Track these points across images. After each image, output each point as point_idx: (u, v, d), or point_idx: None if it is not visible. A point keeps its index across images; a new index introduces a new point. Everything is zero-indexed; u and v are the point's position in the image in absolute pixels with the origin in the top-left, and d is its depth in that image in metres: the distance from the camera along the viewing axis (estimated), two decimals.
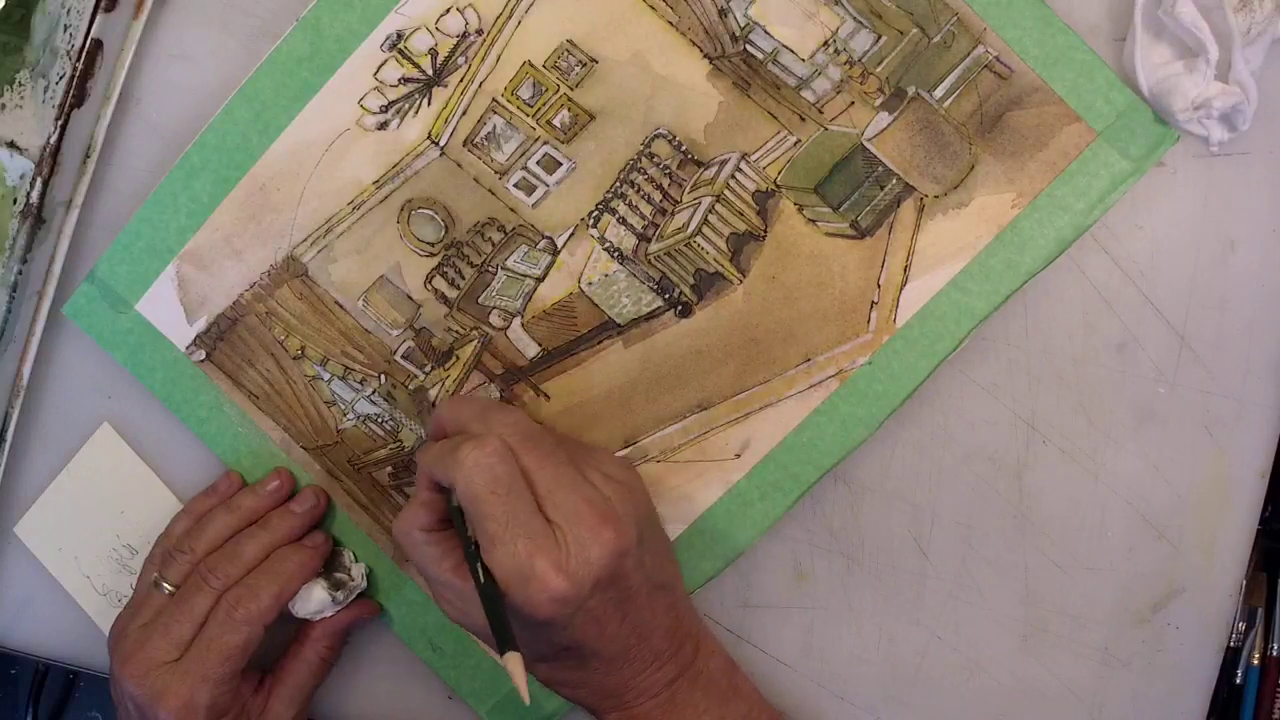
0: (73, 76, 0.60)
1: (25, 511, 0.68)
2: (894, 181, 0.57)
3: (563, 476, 0.52)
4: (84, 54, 0.60)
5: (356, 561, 0.64)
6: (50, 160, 0.61)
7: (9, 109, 0.62)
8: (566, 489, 0.52)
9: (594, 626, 0.52)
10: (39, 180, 0.61)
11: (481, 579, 0.50)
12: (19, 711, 0.77)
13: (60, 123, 0.61)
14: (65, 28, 0.61)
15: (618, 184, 0.59)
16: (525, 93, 0.59)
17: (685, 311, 0.59)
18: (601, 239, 0.60)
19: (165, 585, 0.61)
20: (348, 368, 0.63)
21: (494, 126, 0.60)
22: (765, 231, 0.58)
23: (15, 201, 0.61)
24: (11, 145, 0.61)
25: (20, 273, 0.62)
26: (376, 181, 0.61)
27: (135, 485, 0.67)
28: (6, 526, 0.68)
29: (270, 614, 0.60)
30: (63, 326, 0.66)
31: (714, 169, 0.58)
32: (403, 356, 0.62)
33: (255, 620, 0.60)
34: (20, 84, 0.62)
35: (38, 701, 0.77)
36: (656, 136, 0.59)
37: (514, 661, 0.48)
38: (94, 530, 0.67)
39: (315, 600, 0.62)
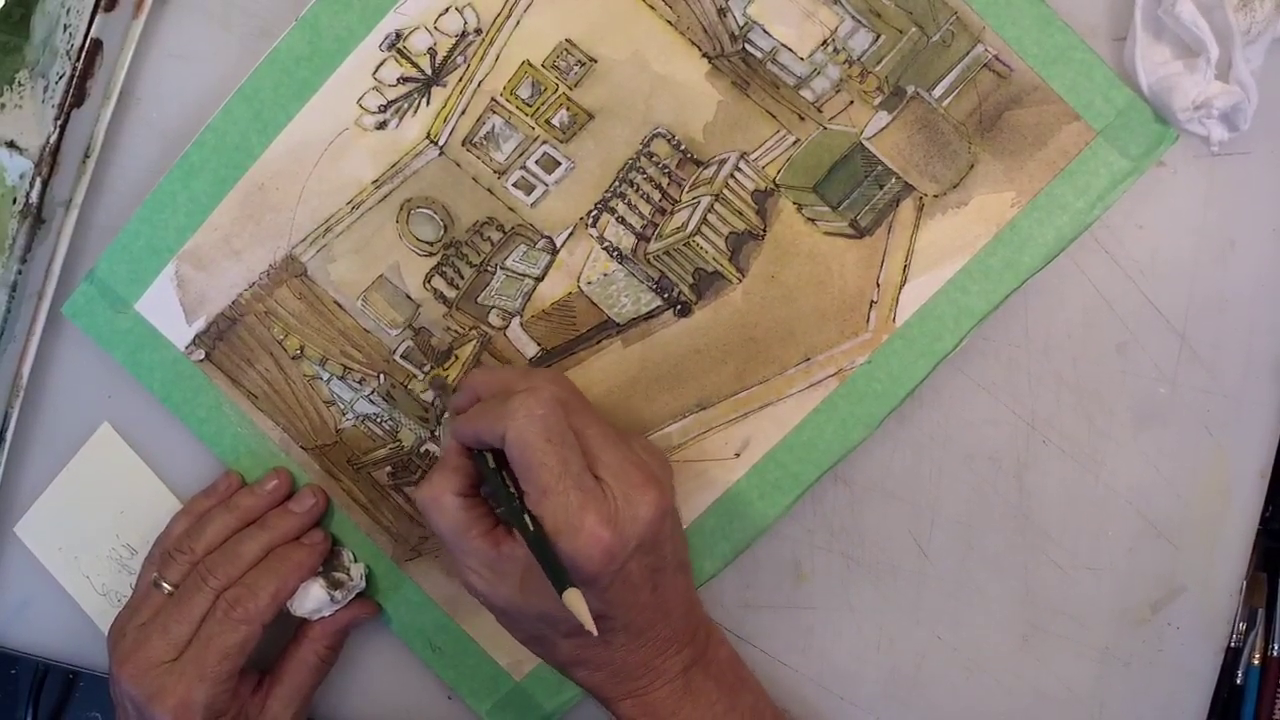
0: (72, 76, 0.60)
1: (25, 511, 0.68)
2: (893, 180, 0.57)
3: (608, 436, 0.53)
4: (84, 54, 0.60)
5: (356, 561, 0.64)
6: (50, 160, 0.61)
7: (9, 109, 0.62)
8: (612, 448, 0.52)
9: (629, 593, 0.52)
10: (39, 180, 0.61)
11: (530, 527, 0.50)
12: (19, 711, 0.77)
13: (60, 122, 0.61)
14: (65, 27, 0.61)
15: (617, 183, 0.59)
16: (524, 92, 0.59)
17: (684, 311, 0.59)
18: (600, 238, 0.60)
19: (164, 585, 0.61)
20: (347, 367, 0.63)
21: (493, 126, 0.60)
22: (764, 231, 0.58)
23: (15, 201, 0.61)
24: (11, 145, 0.61)
25: (20, 273, 0.62)
26: (375, 181, 0.61)
27: (135, 485, 0.67)
28: (6, 526, 0.68)
29: (268, 613, 0.60)
30: (63, 326, 0.66)
31: (713, 168, 0.58)
32: (402, 356, 0.62)
33: (253, 619, 0.60)
34: (20, 84, 0.62)
35: (38, 701, 0.77)
36: (655, 136, 0.59)
37: (576, 597, 0.48)
38: (94, 530, 0.67)
39: (313, 599, 0.62)
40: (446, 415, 0.62)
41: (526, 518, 0.51)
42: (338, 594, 0.63)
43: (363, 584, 0.64)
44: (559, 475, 0.50)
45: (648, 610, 0.54)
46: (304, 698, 0.64)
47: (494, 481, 0.53)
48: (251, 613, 0.59)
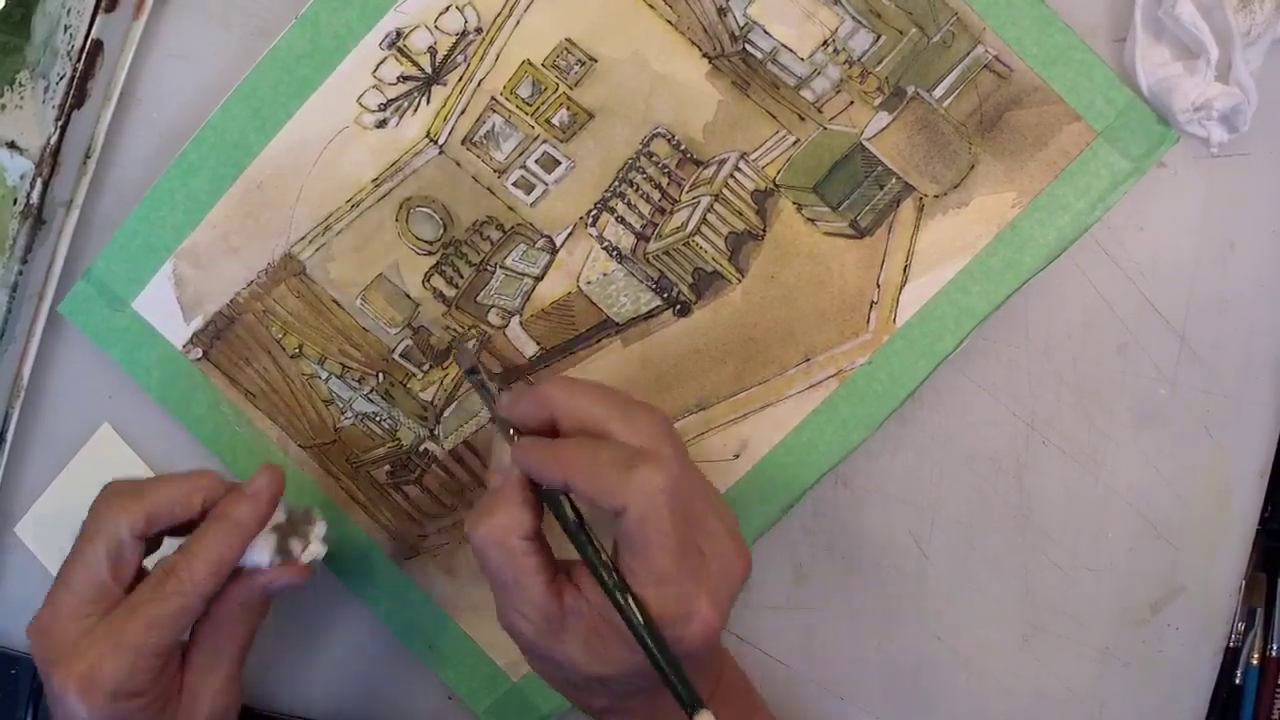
0: (73, 77, 0.60)
1: (25, 511, 0.68)
2: (893, 181, 0.57)
3: (709, 494, 0.49)
4: (84, 54, 0.60)
5: (323, 541, 0.57)
6: (50, 160, 0.61)
7: (9, 109, 0.62)
8: (712, 511, 0.48)
9: (708, 658, 0.49)
10: (39, 180, 0.61)
11: (637, 617, 0.45)
12: (19, 711, 0.77)
13: (60, 123, 0.61)
14: (65, 28, 0.61)
15: (616, 183, 0.59)
16: (524, 91, 0.59)
17: (684, 311, 0.59)
18: (600, 238, 0.60)
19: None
20: (345, 366, 0.63)
21: (493, 125, 0.60)
22: (764, 231, 0.58)
23: (15, 202, 0.61)
24: (12, 145, 0.61)
25: (20, 273, 0.62)
26: (375, 180, 0.61)
27: None
28: (6, 526, 0.68)
29: (207, 584, 0.52)
30: (63, 327, 0.66)
31: (713, 168, 0.58)
32: (401, 355, 0.62)
33: (188, 591, 0.51)
34: (20, 84, 0.62)
35: (38, 701, 0.76)
36: (655, 135, 0.59)
37: None
38: None
39: (254, 553, 0.55)
40: (496, 431, 0.53)
41: (629, 600, 0.46)
42: (277, 559, 0.55)
43: (309, 561, 0.56)
44: (677, 559, 0.45)
45: (712, 660, 0.51)
46: (224, 665, 0.54)
47: (579, 541, 0.48)
48: (185, 583, 0.51)
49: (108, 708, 0.50)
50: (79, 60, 0.60)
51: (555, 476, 0.47)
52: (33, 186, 0.61)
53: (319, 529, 0.57)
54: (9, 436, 0.66)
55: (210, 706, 0.54)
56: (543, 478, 0.48)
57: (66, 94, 0.60)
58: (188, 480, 0.55)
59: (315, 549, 0.56)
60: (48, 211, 0.62)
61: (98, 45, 0.61)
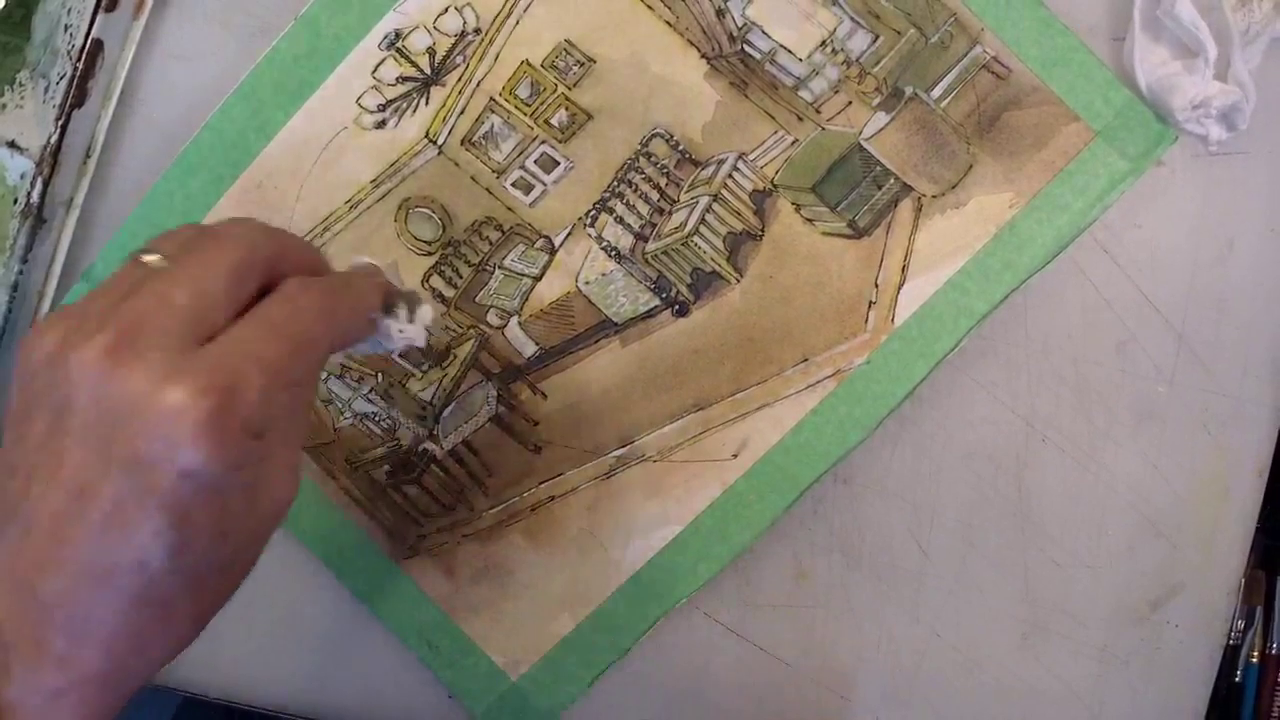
0: (73, 76, 0.60)
1: None
2: (891, 181, 0.57)
3: None
4: (84, 54, 0.60)
5: (425, 327, 0.46)
6: (51, 160, 0.61)
7: (9, 109, 0.62)
8: None
9: None
10: (39, 180, 0.61)
11: None
12: None
13: (61, 122, 0.61)
14: (65, 28, 0.61)
15: (615, 183, 0.59)
16: (523, 92, 0.59)
17: (682, 311, 0.59)
18: (599, 238, 0.60)
19: (151, 256, 0.38)
20: (344, 365, 0.63)
21: (492, 126, 0.60)
22: (762, 231, 0.58)
23: (15, 201, 0.62)
24: (12, 145, 0.62)
25: (20, 272, 0.62)
26: (374, 180, 0.61)
27: None
28: None
29: (347, 324, 0.41)
30: None
31: (711, 168, 0.58)
32: (400, 355, 0.62)
33: (353, 315, 0.42)
34: (20, 84, 0.62)
35: None
36: (654, 136, 0.59)
37: None
38: None
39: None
40: None
41: None
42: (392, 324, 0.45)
43: (414, 339, 0.45)
44: None
45: None
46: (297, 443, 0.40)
47: None
48: (344, 308, 0.40)
49: (237, 448, 0.36)
50: (79, 60, 0.60)
51: None
52: (33, 186, 0.61)
53: (422, 313, 0.46)
54: None
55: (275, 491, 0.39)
56: None
57: (67, 93, 0.61)
58: (312, 247, 0.43)
59: (412, 332, 0.46)
60: (48, 211, 0.62)
61: (98, 45, 0.61)
